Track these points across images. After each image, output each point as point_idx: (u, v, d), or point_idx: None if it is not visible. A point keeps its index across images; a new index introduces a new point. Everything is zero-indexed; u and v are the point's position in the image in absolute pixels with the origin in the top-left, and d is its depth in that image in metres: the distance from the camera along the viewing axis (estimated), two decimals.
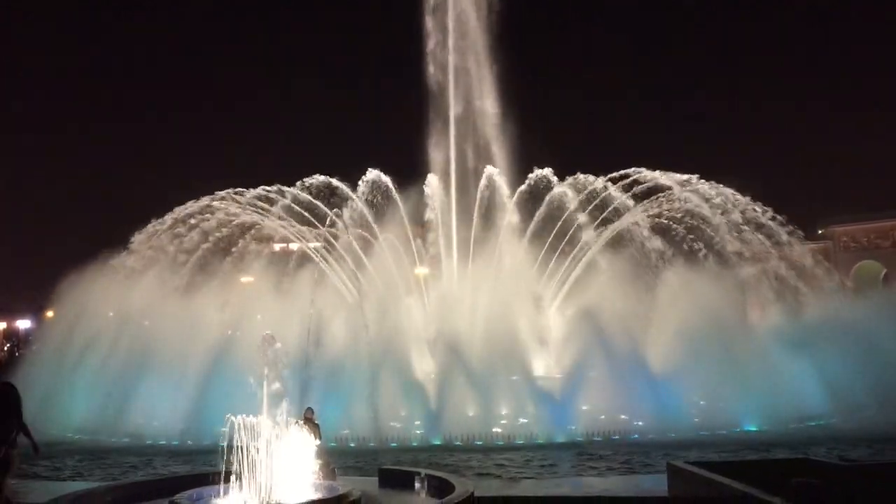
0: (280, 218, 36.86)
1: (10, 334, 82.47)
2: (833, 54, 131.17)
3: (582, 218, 35.69)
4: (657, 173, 35.65)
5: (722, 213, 34.27)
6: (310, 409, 16.32)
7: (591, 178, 36.48)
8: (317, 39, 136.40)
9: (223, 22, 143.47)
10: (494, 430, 26.40)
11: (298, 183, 36.48)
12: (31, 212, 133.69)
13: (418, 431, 26.58)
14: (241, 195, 36.32)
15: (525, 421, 26.97)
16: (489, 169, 38.10)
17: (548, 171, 36.86)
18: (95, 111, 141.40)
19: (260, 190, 36.66)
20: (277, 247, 42.66)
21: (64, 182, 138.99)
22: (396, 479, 14.39)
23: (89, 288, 33.84)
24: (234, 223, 35.92)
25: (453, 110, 41.50)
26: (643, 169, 35.91)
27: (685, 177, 35.55)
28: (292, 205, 36.52)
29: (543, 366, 30.33)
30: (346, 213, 36.01)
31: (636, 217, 35.49)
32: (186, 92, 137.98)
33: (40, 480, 18.20)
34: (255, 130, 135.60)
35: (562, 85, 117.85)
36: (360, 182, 36.85)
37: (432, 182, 38.82)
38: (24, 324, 78.81)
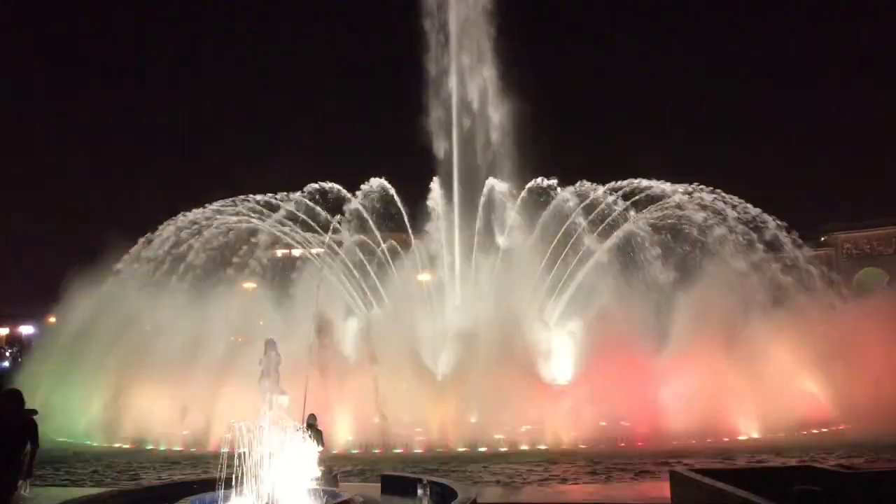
0: (282, 224, 36.89)
1: (14, 340, 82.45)
2: (838, 57, 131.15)
3: (584, 227, 35.65)
4: (656, 183, 35.64)
5: (723, 220, 34.24)
6: (313, 416, 16.36)
7: (594, 186, 36.44)
8: (317, 39, 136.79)
9: (223, 22, 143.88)
10: (497, 436, 26.39)
11: (302, 190, 36.53)
12: (33, 217, 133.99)
13: (421, 438, 26.57)
14: (244, 202, 36.37)
15: (528, 427, 26.96)
16: (490, 181, 38.08)
17: (552, 182, 36.83)
18: (95, 111, 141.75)
19: (267, 196, 36.71)
20: (280, 252, 42.69)
21: (66, 185, 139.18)
22: (398, 486, 14.37)
23: (92, 294, 33.93)
24: (237, 229, 35.97)
25: (455, 112, 41.53)
26: (643, 180, 35.92)
27: (686, 186, 35.53)
28: (295, 211, 36.57)
29: (547, 374, 30.30)
30: (348, 219, 36.04)
31: (637, 225, 35.45)
32: (186, 92, 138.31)
33: (46, 486, 18.21)
34: (255, 131, 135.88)
35: (562, 85, 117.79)
36: (361, 188, 36.89)
37: (435, 188, 38.83)
38: (27, 330, 78.80)
